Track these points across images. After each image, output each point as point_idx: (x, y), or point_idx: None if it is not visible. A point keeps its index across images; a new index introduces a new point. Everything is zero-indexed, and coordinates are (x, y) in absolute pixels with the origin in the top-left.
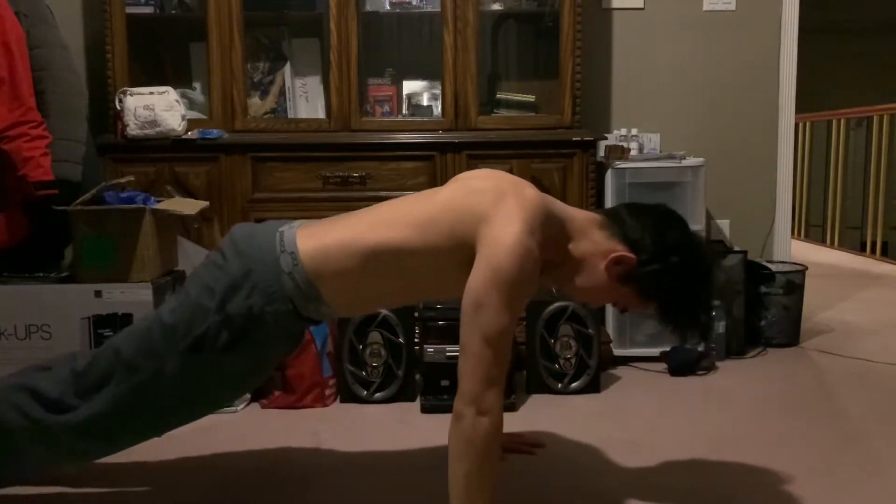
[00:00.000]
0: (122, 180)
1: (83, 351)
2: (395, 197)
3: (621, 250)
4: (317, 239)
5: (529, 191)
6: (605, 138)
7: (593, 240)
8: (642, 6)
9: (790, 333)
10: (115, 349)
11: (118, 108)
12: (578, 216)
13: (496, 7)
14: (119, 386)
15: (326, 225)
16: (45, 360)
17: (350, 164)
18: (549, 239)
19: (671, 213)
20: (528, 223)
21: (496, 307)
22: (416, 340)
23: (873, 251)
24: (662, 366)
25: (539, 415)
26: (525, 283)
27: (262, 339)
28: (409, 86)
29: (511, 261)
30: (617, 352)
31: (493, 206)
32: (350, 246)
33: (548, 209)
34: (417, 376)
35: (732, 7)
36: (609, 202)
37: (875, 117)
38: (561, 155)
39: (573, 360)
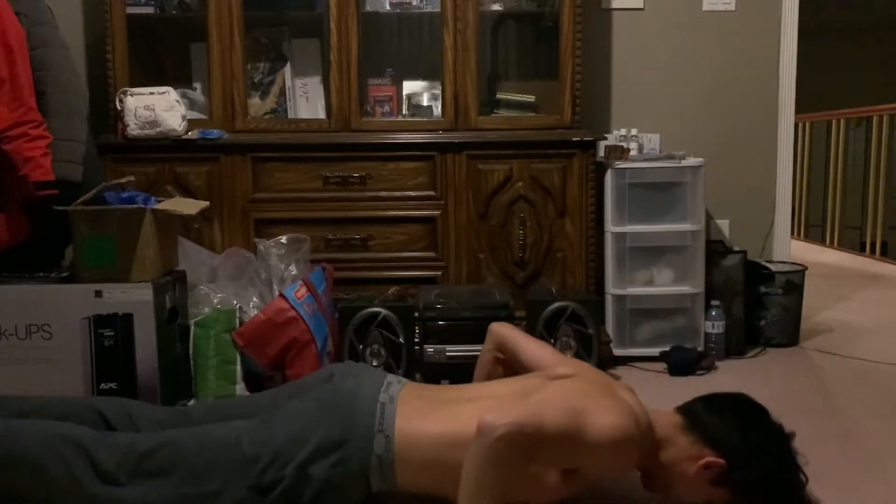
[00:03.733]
0: (123, 180)
1: (148, 411)
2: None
3: (709, 455)
4: (416, 424)
5: (632, 396)
6: (605, 138)
7: (680, 446)
8: (642, 6)
9: (790, 333)
10: (183, 450)
11: (118, 108)
12: (661, 421)
13: (496, 7)
14: (174, 488)
15: (428, 403)
16: (100, 406)
17: (350, 165)
18: (645, 450)
19: (751, 406)
20: (634, 422)
21: (596, 421)
22: (416, 340)
23: (873, 251)
24: (662, 366)
25: None
26: (619, 445)
27: (327, 501)
28: (409, 86)
29: (623, 424)
30: (616, 351)
31: (607, 399)
32: (448, 439)
33: (646, 417)
34: (417, 376)
35: (732, 7)
36: (609, 202)
37: (875, 117)
38: (561, 155)
39: None
